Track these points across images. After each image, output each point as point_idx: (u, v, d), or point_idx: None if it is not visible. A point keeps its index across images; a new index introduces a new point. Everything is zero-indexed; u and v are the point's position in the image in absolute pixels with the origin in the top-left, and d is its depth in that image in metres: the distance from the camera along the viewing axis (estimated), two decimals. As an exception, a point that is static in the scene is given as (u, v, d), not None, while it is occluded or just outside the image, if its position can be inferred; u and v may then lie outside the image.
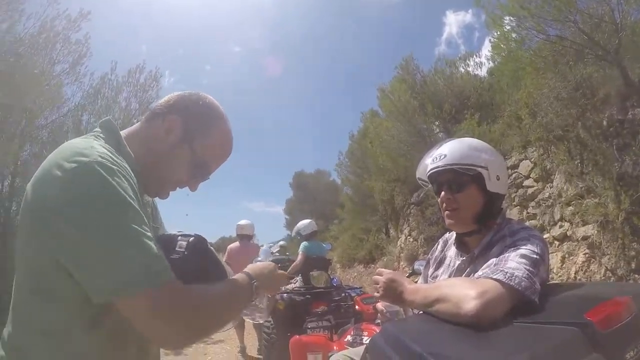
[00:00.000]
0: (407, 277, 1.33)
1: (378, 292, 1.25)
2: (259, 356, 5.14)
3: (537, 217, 5.37)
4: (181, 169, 0.93)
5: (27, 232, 0.77)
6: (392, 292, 1.20)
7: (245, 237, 5.77)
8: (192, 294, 0.75)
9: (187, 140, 0.91)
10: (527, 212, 5.63)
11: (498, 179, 1.28)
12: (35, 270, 0.76)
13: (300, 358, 3.02)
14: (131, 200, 0.73)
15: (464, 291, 0.95)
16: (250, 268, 0.96)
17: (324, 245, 5.99)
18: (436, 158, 1.32)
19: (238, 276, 0.92)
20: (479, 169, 1.26)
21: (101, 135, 0.86)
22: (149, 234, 0.73)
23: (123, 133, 0.91)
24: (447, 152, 1.30)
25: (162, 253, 0.75)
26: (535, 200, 5.50)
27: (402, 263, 9.53)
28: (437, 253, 1.53)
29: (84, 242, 0.69)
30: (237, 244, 5.77)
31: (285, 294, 4.50)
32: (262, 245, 10.89)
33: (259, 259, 1.06)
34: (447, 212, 1.32)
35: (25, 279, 0.79)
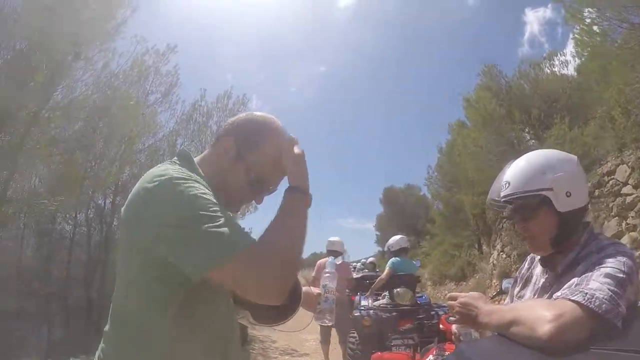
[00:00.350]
0: (494, 296, 1.30)
1: (453, 317, 1.23)
2: (343, 373, 5.12)
3: (638, 229, 4.72)
4: (240, 185, 1.00)
5: (124, 247, 0.94)
6: (467, 317, 1.15)
7: (335, 254, 5.78)
8: (268, 249, 0.83)
9: (240, 158, 0.99)
10: (627, 224, 5.00)
11: (569, 195, 1.19)
12: (131, 277, 0.93)
13: None
14: (202, 194, 0.84)
15: (539, 313, 0.90)
16: (295, 180, 0.97)
17: (413, 262, 5.79)
18: (503, 186, 1.28)
19: (290, 200, 0.93)
20: (544, 193, 1.19)
21: (177, 162, 0.99)
22: (220, 214, 0.83)
23: (197, 159, 1.03)
24: (510, 179, 1.25)
25: (237, 224, 0.85)
26: (635, 209, 4.86)
27: (494, 281, 8.95)
28: (524, 271, 1.45)
29: (173, 238, 0.82)
30: (327, 259, 5.93)
31: (371, 311, 4.50)
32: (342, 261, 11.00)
33: (327, 270, 1.28)
34: (525, 239, 1.29)
35: (123, 284, 0.95)
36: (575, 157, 1.28)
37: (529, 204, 1.22)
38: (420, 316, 4.32)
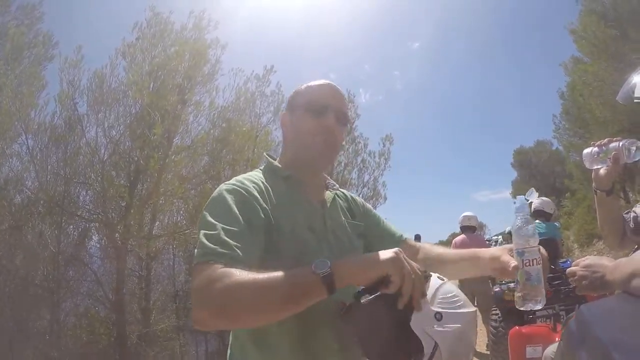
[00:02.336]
0: None
1: (578, 287, 1.09)
2: (487, 352, 4.95)
3: None
4: (308, 124, 1.06)
5: None
6: (593, 280, 1.02)
7: (469, 229, 5.66)
8: (226, 280, 0.77)
9: (293, 110, 1.12)
10: None
11: None
12: None
13: (518, 352, 2.83)
14: (232, 205, 0.91)
15: None
16: (337, 262, 0.81)
17: (553, 224, 5.17)
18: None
19: (300, 275, 0.81)
20: None
21: (260, 167, 1.13)
22: (224, 225, 0.87)
23: (279, 157, 1.16)
24: None
25: (227, 242, 0.84)
26: None
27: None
28: None
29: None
30: (462, 236, 5.69)
31: (512, 284, 4.14)
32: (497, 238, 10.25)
33: (517, 220, 0.94)
34: None
35: None
36: None
37: None
38: (555, 282, 3.87)
